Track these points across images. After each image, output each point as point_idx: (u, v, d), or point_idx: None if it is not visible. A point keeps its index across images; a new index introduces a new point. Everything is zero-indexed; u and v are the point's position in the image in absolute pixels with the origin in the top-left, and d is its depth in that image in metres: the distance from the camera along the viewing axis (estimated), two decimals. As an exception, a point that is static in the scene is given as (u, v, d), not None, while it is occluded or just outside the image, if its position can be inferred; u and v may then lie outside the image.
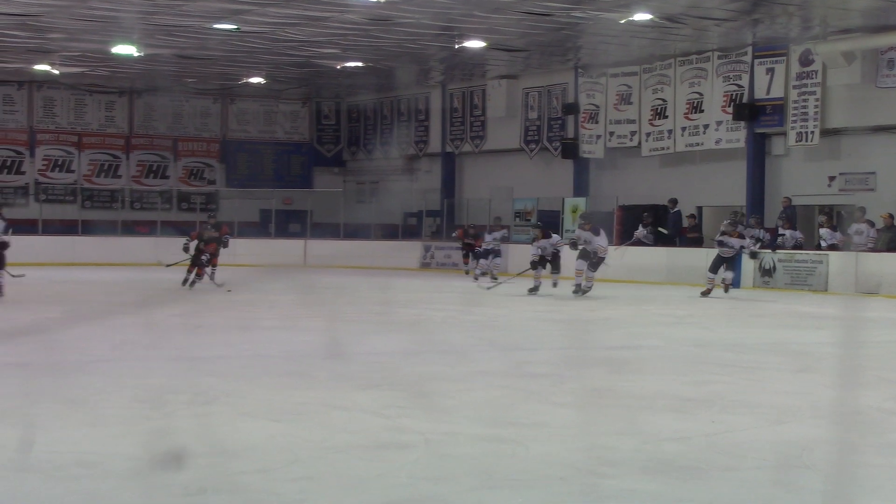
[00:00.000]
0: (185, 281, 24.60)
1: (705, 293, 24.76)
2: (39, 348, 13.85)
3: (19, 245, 35.37)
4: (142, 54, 33.85)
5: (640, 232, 29.60)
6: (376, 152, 43.39)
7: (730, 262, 24.98)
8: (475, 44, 31.79)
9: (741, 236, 25.21)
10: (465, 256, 32.83)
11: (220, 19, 28.66)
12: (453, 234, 34.46)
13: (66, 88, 40.72)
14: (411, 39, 31.60)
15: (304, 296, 23.86)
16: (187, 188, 43.17)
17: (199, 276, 24.74)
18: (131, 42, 32.16)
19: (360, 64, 36.08)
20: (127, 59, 34.83)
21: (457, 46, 32.36)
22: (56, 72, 38.03)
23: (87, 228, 39.11)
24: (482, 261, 30.06)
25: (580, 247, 24.32)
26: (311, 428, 8.98)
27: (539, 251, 25.14)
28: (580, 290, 24.18)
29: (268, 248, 36.87)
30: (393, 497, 6.86)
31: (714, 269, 24.85)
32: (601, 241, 24.26)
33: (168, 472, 7.29)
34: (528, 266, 25.37)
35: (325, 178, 44.75)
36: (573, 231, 33.06)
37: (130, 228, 39.39)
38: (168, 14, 27.79)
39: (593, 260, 24.29)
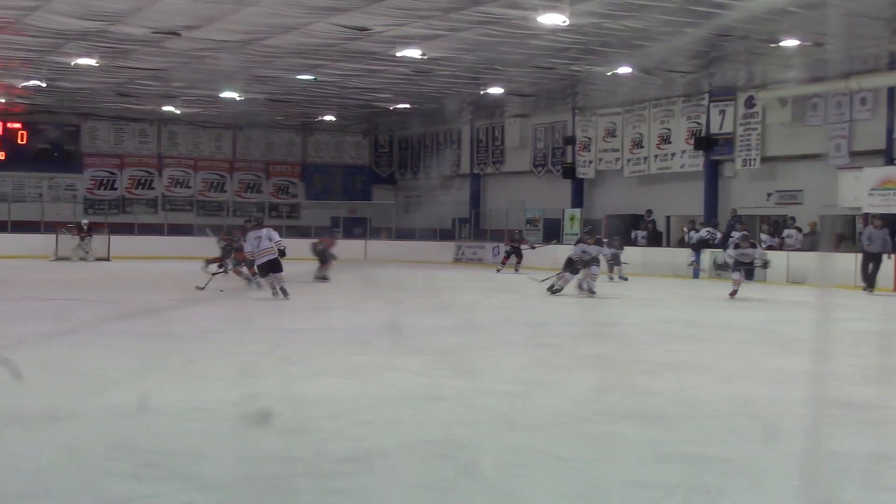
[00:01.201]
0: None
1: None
2: (160, 322, 13.90)
3: (149, 243, 35.75)
4: (242, 98, 33.93)
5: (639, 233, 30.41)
6: (420, 173, 43.43)
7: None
8: (496, 90, 31.75)
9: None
10: (506, 256, 31.90)
11: (301, 71, 28.72)
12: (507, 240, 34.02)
13: (185, 124, 40.83)
14: (447, 86, 31.59)
15: (365, 284, 23.89)
16: (276, 200, 43.25)
17: (221, 265, 21.35)
18: (234, 88, 32.25)
19: (407, 105, 36.10)
20: (231, 102, 34.93)
21: (481, 92, 32.34)
22: (178, 111, 38.14)
23: (200, 231, 39.24)
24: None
25: (578, 263, 20.28)
26: (369, 384, 8.97)
27: (581, 254, 20.23)
28: (555, 290, 20.32)
29: (337, 246, 36.85)
30: (432, 437, 6.84)
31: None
32: (605, 251, 21.93)
33: (263, 417, 7.30)
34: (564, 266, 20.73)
35: (380, 192, 44.76)
36: (573, 236, 33.12)
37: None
38: (263, 67, 27.86)
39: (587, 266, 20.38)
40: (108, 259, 32.66)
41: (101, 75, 29.53)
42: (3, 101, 35.19)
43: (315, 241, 25.48)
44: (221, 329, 13.17)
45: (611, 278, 25.66)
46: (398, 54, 25.24)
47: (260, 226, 18.69)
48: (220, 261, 21.72)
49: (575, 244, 21.04)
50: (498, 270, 29.76)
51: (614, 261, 26.29)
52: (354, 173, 44.72)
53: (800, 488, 5.78)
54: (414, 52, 25.02)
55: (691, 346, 12.41)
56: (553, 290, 20.31)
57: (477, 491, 5.60)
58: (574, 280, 20.25)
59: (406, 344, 11.72)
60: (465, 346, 11.82)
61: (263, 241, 17.81)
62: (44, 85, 30.96)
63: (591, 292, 20.11)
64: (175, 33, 23.20)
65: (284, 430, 6.92)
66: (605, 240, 25.17)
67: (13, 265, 28.26)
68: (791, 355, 11.63)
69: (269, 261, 17.80)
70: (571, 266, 20.26)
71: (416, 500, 5.45)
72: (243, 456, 6.21)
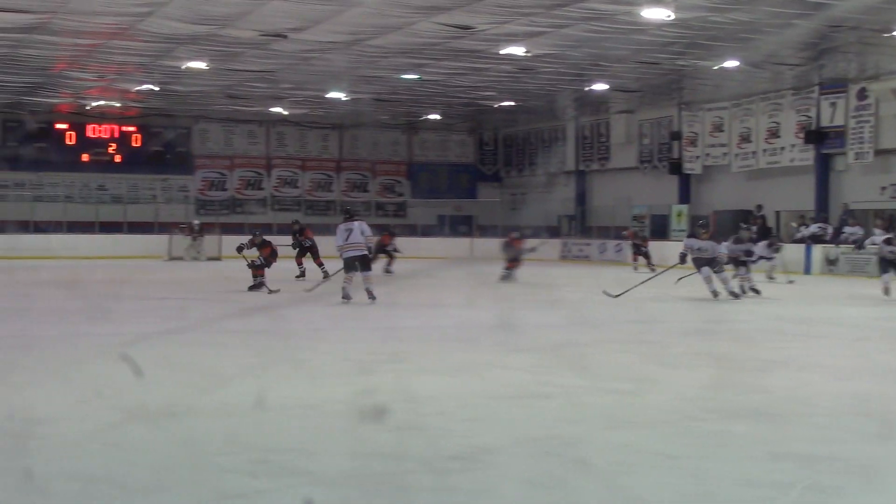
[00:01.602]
0: (258, 286, 18.98)
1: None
2: (272, 320, 14.12)
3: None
4: (348, 98, 34.26)
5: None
6: (526, 170, 43.35)
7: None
8: (601, 86, 31.56)
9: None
10: (635, 254, 31.19)
11: (406, 71, 28.90)
12: (623, 234, 33.71)
13: (293, 125, 41.38)
14: (551, 84, 31.50)
15: (473, 281, 23.94)
16: (382, 199, 43.58)
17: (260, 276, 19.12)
18: (341, 89, 32.59)
19: (512, 102, 36.08)
20: (338, 102, 35.30)
21: (586, 89, 32.18)
22: (286, 113, 38.69)
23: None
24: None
25: (693, 257, 18.69)
26: (478, 381, 9.01)
27: (696, 251, 18.65)
28: (736, 294, 18.61)
29: (443, 244, 37.04)
30: (539, 434, 6.85)
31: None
32: (721, 248, 18.76)
33: (373, 414, 7.38)
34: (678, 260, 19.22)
35: (486, 190, 44.77)
36: (680, 233, 32.76)
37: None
38: (368, 67, 28.09)
39: (716, 265, 18.68)
40: (219, 258, 33.27)
41: (212, 78, 30.12)
42: (118, 105, 36.11)
43: (506, 239, 25.54)
44: (333, 327, 13.33)
45: (771, 278, 23.97)
46: (502, 52, 25.25)
47: (352, 218, 17.21)
48: (261, 272, 19.22)
49: (687, 237, 20.10)
50: (636, 269, 28.80)
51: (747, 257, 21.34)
52: (460, 171, 44.83)
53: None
54: (518, 50, 25.01)
55: (803, 343, 12.22)
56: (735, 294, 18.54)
57: (586, 488, 5.60)
58: (715, 281, 18.52)
59: (514, 341, 11.73)
60: (573, 343, 11.79)
61: (355, 233, 16.56)
62: (157, 89, 31.72)
63: (733, 294, 18.51)
64: (282, 35, 23.54)
65: (395, 427, 7.00)
66: (751, 237, 22.23)
67: (129, 265, 28.98)
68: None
69: (358, 257, 16.52)
70: (683, 260, 18.84)
71: (525, 497, 5.47)
72: (354, 452, 6.29)
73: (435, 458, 6.13)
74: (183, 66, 27.49)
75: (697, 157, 34.49)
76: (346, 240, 16.57)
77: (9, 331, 12.29)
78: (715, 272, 18.64)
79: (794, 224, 30.11)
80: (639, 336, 12.84)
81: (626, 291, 18.00)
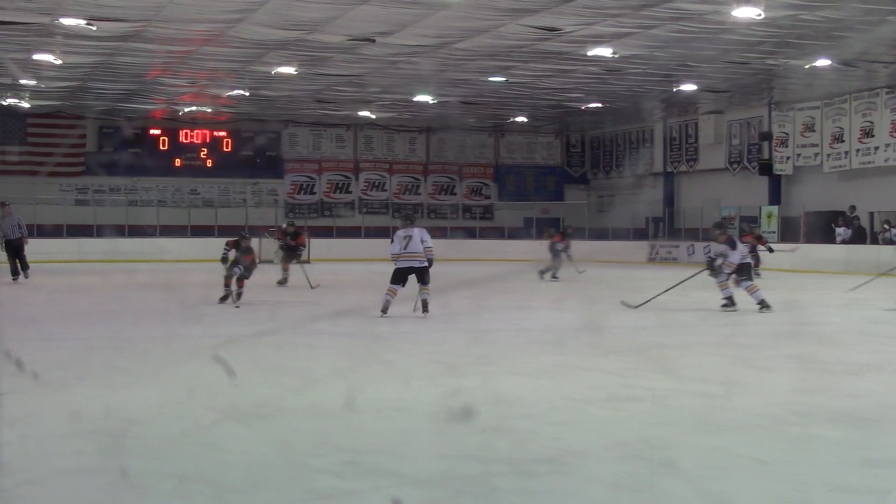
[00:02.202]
0: (225, 297, 16.81)
1: None
2: (362, 323, 14.24)
3: (347, 245, 36.63)
4: (435, 101, 34.40)
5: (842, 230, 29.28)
6: (613, 172, 43.13)
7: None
8: (689, 87, 31.25)
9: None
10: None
11: (493, 73, 28.92)
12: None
13: (380, 128, 41.66)
14: (638, 84, 31.28)
15: (560, 283, 23.87)
16: (469, 202, 43.66)
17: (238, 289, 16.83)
18: (428, 92, 32.72)
19: (599, 104, 35.90)
20: (425, 105, 35.45)
21: (674, 89, 31.90)
22: (373, 116, 38.95)
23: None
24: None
25: (718, 264, 16.46)
26: (565, 383, 9.00)
27: (713, 257, 16.77)
28: (730, 304, 16.40)
29: (531, 247, 36.97)
30: (627, 437, 6.82)
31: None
32: (735, 256, 16.28)
33: (461, 416, 7.41)
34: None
35: (573, 192, 44.62)
36: (770, 234, 32.28)
37: (429, 232, 39.98)
38: (455, 71, 28.18)
39: (721, 272, 16.44)
40: (308, 262, 33.58)
41: (300, 83, 30.45)
42: (209, 110, 36.70)
43: (550, 240, 25.46)
44: (421, 329, 13.39)
45: None
46: (589, 53, 25.14)
47: (412, 223, 15.42)
48: (242, 283, 17.03)
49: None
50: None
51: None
52: (547, 173, 44.74)
53: None
54: (605, 51, 24.88)
55: (892, 347, 11.95)
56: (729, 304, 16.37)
57: (675, 492, 5.56)
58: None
59: (601, 343, 11.68)
60: (661, 346, 11.70)
61: (414, 242, 14.84)
62: (247, 94, 32.15)
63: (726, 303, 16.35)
64: (370, 39, 23.72)
65: (482, 429, 7.02)
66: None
67: (220, 268, 29.38)
68: None
69: (416, 268, 14.80)
70: (712, 267, 16.54)
71: (614, 500, 5.46)
72: (443, 454, 6.33)
73: (522, 460, 6.14)
74: (272, 71, 27.85)
75: (788, 157, 33.99)
76: (405, 248, 14.90)
77: (106, 332, 12.57)
78: (741, 280, 16.49)
79: (885, 225, 29.50)
80: (726, 339, 12.70)
81: (647, 301, 16.72)
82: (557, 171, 44.88)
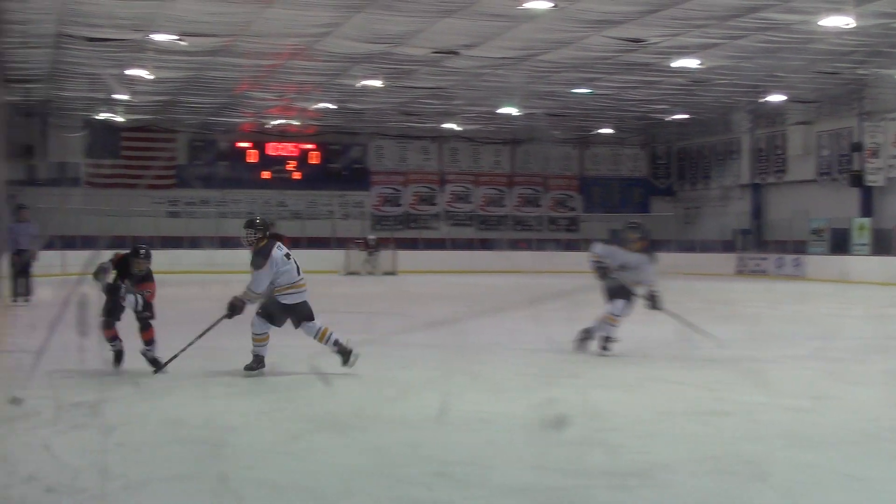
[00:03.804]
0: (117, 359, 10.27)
1: None
2: (452, 334, 14.31)
3: (433, 257, 36.81)
4: (520, 113, 34.45)
5: None
6: (699, 184, 42.74)
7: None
8: (776, 97, 30.92)
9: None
10: None
11: (578, 85, 28.90)
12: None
13: (465, 140, 41.78)
14: (725, 96, 31.03)
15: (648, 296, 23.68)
16: (554, 213, 43.59)
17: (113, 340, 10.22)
18: (513, 104, 32.80)
19: (685, 115, 35.68)
20: (509, 117, 35.52)
21: (761, 100, 31.59)
22: (458, 128, 39.12)
23: (482, 245, 40.14)
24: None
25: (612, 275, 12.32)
26: (652, 397, 8.99)
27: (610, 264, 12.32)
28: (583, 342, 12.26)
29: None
30: (718, 452, 6.80)
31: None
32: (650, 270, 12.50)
33: (550, 429, 7.45)
34: None
35: (658, 204, 44.28)
36: (862, 247, 31.72)
37: (514, 245, 40.07)
38: (540, 83, 28.21)
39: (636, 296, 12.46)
40: (394, 273, 33.89)
41: (386, 95, 30.73)
42: (297, 123, 37.18)
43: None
44: (511, 341, 13.44)
45: None
46: (674, 65, 25.02)
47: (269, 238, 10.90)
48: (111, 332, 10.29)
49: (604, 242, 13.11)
50: None
51: None
52: (632, 185, 44.48)
53: None
54: (691, 62, 24.75)
55: None
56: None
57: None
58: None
59: (690, 356, 11.62)
60: (751, 359, 11.60)
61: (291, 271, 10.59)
62: (334, 107, 32.52)
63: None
64: (454, 52, 23.87)
65: (570, 442, 7.06)
66: None
67: (308, 279, 29.68)
68: None
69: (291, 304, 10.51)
70: (603, 275, 12.42)
71: (704, 514, 5.46)
72: (531, 466, 6.37)
73: (612, 473, 6.16)
74: (358, 84, 28.14)
75: (880, 168, 33.37)
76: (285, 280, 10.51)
77: (202, 342, 12.80)
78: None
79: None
80: (818, 352, 12.55)
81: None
82: (643, 183, 44.60)
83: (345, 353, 10.14)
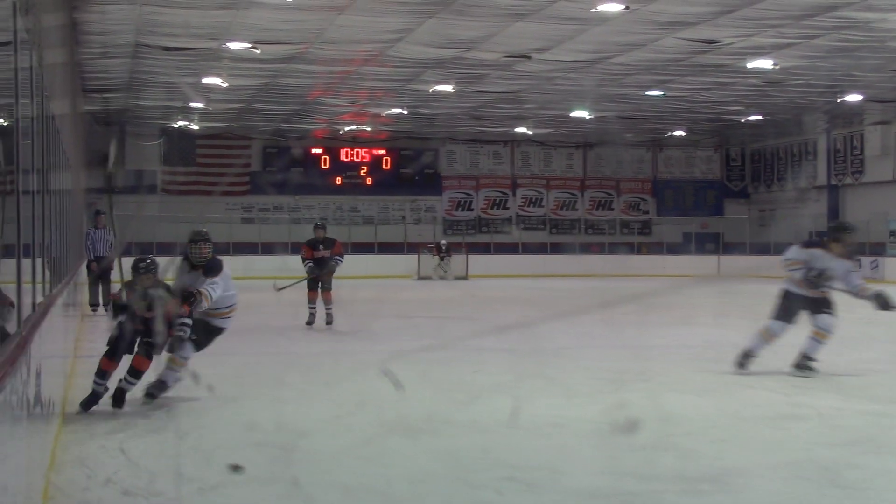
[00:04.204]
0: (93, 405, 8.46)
1: None
2: (524, 338, 14.30)
3: (504, 261, 36.80)
4: (592, 116, 34.30)
5: None
6: (774, 186, 42.23)
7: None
8: (853, 97, 30.42)
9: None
10: None
11: (650, 87, 28.70)
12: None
13: (537, 144, 41.71)
14: (800, 96, 30.60)
15: (722, 299, 23.50)
16: (627, 217, 43.33)
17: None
18: (585, 108, 32.67)
19: (760, 117, 35.25)
20: (581, 121, 35.39)
21: (838, 100, 31.11)
22: (530, 132, 39.06)
23: (554, 249, 40.05)
24: None
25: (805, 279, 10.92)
26: (726, 401, 8.91)
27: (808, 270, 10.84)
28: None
29: (690, 262, 36.53)
30: (793, 458, 6.72)
31: None
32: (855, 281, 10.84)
33: (622, 433, 7.42)
34: None
35: (733, 207, 43.85)
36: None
37: (586, 248, 39.96)
38: (612, 85, 28.07)
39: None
40: (466, 278, 33.92)
41: (458, 100, 30.77)
42: (369, 129, 37.40)
43: None
44: (582, 345, 13.41)
45: None
46: (749, 65, 24.74)
47: None
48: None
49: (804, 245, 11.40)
50: None
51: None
52: (706, 188, 44.08)
53: None
54: (765, 63, 24.45)
55: None
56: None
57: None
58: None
59: (765, 361, 11.49)
60: (826, 363, 11.43)
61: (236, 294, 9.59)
62: (405, 112, 32.65)
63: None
64: (526, 56, 23.84)
65: (643, 447, 7.01)
66: None
67: (380, 284, 29.94)
68: None
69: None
70: (815, 284, 10.86)
71: (778, 520, 5.40)
72: (602, 470, 6.35)
73: (685, 478, 6.12)
74: (430, 90, 28.23)
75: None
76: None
77: (276, 348, 12.97)
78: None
79: None
80: (894, 356, 12.35)
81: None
82: (716, 185, 44.18)
83: (148, 394, 8.76)
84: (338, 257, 15.81)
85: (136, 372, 8.46)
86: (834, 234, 10.92)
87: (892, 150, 35.71)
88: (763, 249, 38.23)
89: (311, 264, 15.80)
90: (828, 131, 38.29)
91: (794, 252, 11.06)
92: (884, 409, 8.42)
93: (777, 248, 38.24)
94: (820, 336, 10.62)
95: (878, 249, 34.12)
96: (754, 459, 6.63)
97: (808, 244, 11.27)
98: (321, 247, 16.04)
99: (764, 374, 10.52)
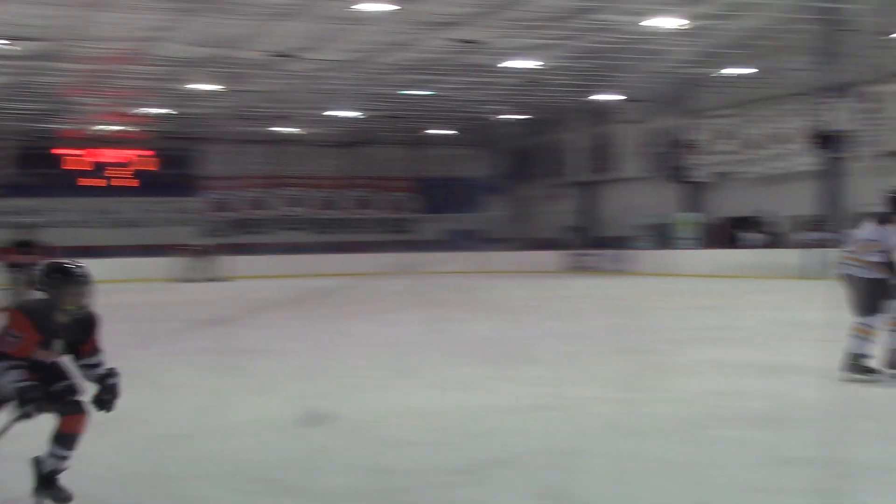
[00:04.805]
0: None
1: None
2: (221, 336, 14.08)
3: (266, 262, 36.29)
4: (356, 115, 34.32)
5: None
6: (533, 182, 43.25)
7: None
8: (607, 96, 31.58)
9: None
10: None
11: (415, 87, 28.98)
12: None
13: (300, 144, 41.28)
14: (558, 95, 31.56)
15: (475, 296, 23.78)
16: (390, 215, 43.62)
17: None
18: (348, 107, 32.67)
19: (520, 116, 36.22)
20: (344, 120, 35.39)
21: (592, 99, 32.24)
22: (293, 132, 38.77)
23: (319, 247, 39.71)
24: None
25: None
26: (480, 395, 8.96)
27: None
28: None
29: (454, 259, 36.71)
30: (544, 446, 6.81)
31: None
32: None
33: (364, 430, 7.35)
34: None
35: (496, 203, 44.74)
36: (687, 241, 32.64)
37: (349, 247, 39.87)
38: (375, 85, 28.17)
39: None
40: (225, 279, 33.17)
41: (219, 100, 30.24)
42: (130, 129, 36.27)
43: None
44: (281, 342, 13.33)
45: None
46: (509, 65, 25.28)
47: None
48: None
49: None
50: None
51: None
52: (469, 185, 44.86)
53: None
54: (526, 63, 25.06)
55: (804, 348, 12.10)
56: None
57: (590, 499, 5.57)
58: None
59: (512, 354, 11.70)
60: (574, 354, 11.73)
61: None
62: (168, 112, 31.85)
63: None
64: (290, 55, 23.61)
65: (395, 443, 6.96)
66: None
67: (137, 288, 29.04)
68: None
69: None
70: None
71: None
72: (357, 467, 6.24)
73: (437, 472, 6.10)
74: (193, 89, 27.61)
75: (705, 164, 34.46)
76: None
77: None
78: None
79: (800, 229, 30.04)
80: (641, 344, 12.76)
81: None
82: (479, 183, 44.98)
83: None
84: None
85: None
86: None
87: (643, 148, 37.27)
88: (523, 245, 39.26)
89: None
90: (584, 129, 39.60)
91: (870, 230, 9.18)
92: (628, 396, 8.65)
93: (537, 244, 39.25)
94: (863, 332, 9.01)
95: (627, 243, 35.59)
96: (507, 450, 6.63)
97: (882, 219, 9.18)
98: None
99: (510, 367, 10.68)
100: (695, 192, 35.23)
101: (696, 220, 34.32)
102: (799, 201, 31.14)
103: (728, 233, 32.69)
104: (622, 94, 31.60)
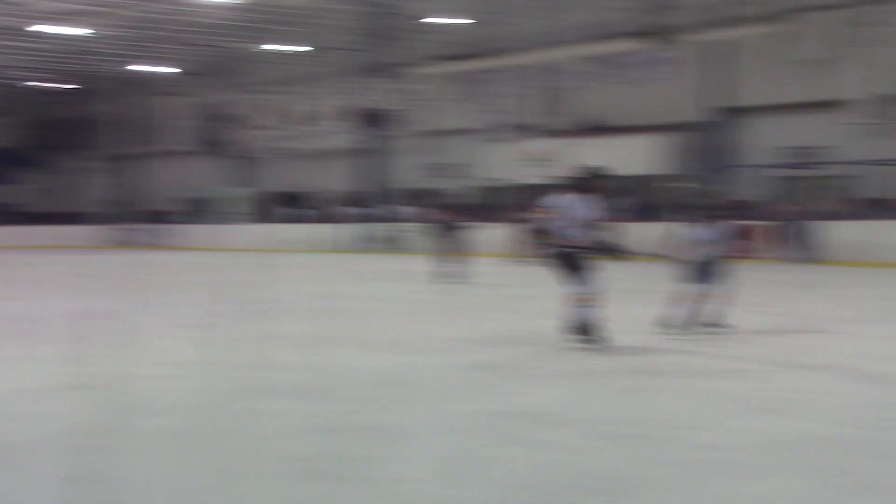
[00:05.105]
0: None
1: None
2: None
3: None
4: None
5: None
6: (72, 155, 41.47)
7: None
8: (155, 68, 30.82)
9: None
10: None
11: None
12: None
13: None
14: (103, 64, 30.42)
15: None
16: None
17: None
18: None
19: (57, 84, 34.57)
20: None
21: (139, 69, 31.37)
22: None
23: None
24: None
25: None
26: (8, 376, 8.43)
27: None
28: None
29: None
30: (73, 426, 6.48)
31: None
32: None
33: None
34: None
35: (31, 176, 42.29)
36: (241, 216, 32.68)
37: None
38: None
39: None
40: None
41: None
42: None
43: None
44: None
45: None
46: (46, 29, 23.93)
47: None
48: None
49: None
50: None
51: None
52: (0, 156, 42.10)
53: (443, 448, 5.89)
54: (65, 29, 23.86)
55: (341, 320, 12.44)
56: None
57: (122, 479, 5.34)
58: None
59: (42, 332, 11.14)
60: (115, 332, 11.36)
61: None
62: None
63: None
64: None
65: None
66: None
67: None
68: (444, 323, 11.93)
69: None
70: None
71: (59, 495, 5.14)
72: None
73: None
74: None
75: (254, 140, 34.66)
76: None
77: None
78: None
79: (342, 204, 30.98)
80: (192, 319, 12.60)
81: None
82: (12, 154, 42.24)
83: None
84: None
85: None
86: None
87: (188, 122, 36.80)
88: (62, 220, 37.50)
89: None
90: (126, 101, 38.43)
91: (567, 201, 9.19)
92: (168, 372, 8.50)
93: (77, 219, 37.65)
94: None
95: (173, 217, 35.16)
96: (34, 433, 6.29)
97: (582, 189, 9.24)
98: None
99: (43, 344, 10.17)
100: (243, 167, 35.34)
101: (244, 196, 34.42)
102: (343, 177, 32.14)
103: (273, 208, 33.12)
104: (169, 66, 30.94)
